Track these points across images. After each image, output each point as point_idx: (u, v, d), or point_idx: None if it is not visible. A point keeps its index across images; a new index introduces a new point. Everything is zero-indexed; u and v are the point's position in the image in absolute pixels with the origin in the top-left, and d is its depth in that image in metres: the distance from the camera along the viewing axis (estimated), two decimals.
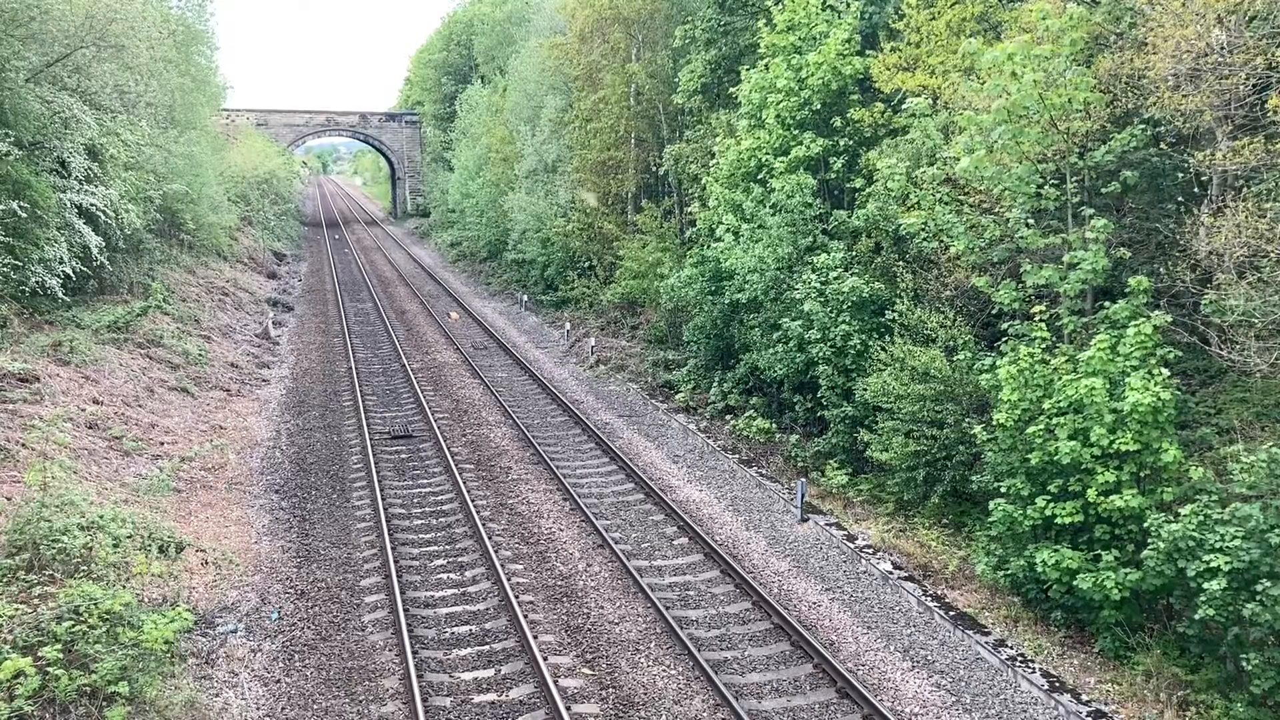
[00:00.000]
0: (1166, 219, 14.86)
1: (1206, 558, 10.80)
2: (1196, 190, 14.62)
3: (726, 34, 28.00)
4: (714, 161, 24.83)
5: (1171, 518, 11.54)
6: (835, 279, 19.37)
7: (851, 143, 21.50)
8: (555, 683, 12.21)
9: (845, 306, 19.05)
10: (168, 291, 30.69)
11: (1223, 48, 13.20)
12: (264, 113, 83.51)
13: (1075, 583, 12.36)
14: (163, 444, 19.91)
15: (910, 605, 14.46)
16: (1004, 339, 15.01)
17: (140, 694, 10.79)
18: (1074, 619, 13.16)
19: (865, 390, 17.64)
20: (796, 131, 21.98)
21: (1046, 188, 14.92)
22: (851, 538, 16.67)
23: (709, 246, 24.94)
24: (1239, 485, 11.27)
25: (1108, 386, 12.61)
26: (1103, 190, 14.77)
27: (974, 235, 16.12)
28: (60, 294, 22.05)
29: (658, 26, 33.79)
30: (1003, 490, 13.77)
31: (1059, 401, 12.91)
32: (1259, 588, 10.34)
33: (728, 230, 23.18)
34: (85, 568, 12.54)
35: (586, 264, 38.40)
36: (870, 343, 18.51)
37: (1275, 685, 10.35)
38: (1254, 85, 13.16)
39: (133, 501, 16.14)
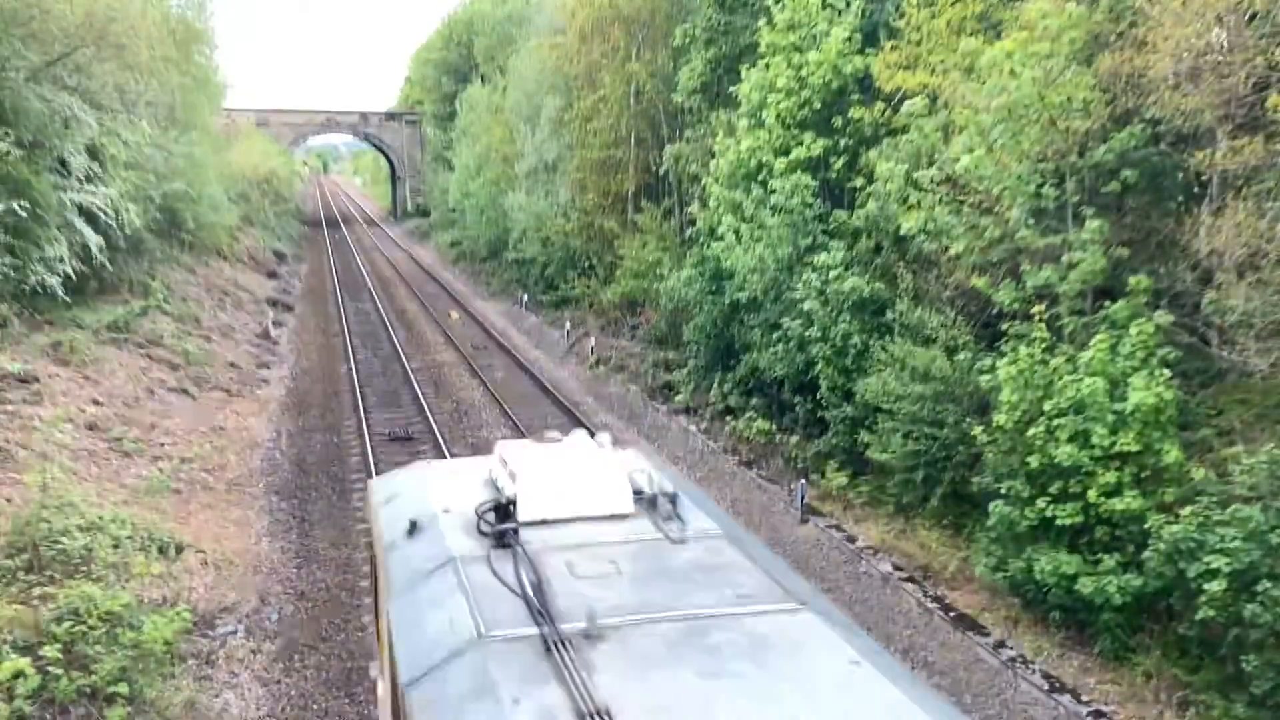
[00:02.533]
0: (1167, 218, 14.83)
1: (1207, 559, 10.78)
2: (1197, 190, 14.59)
3: (726, 33, 27.93)
4: (714, 161, 24.78)
5: (1172, 519, 11.53)
6: (835, 279, 19.34)
7: (852, 142, 21.45)
8: None
9: (845, 306, 19.02)
10: (168, 291, 30.67)
11: (1223, 47, 13.18)
12: (264, 112, 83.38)
13: (1076, 587, 12.34)
14: (163, 445, 19.89)
15: (910, 606, 14.46)
16: (1004, 339, 14.99)
17: (140, 694, 10.79)
18: (1074, 620, 13.14)
19: (865, 390, 17.62)
20: (797, 131, 21.92)
21: (1046, 187, 14.90)
22: (852, 539, 16.65)
23: (709, 246, 24.91)
24: (1239, 486, 11.26)
25: (1108, 387, 12.59)
26: (1102, 190, 14.74)
27: (974, 235, 16.10)
28: (60, 294, 22.02)
29: (658, 26, 33.72)
30: (1002, 491, 13.76)
31: (1059, 402, 12.89)
32: (1259, 589, 10.33)
33: (728, 230, 23.15)
34: (85, 568, 12.55)
35: (586, 264, 38.36)
36: (870, 343, 18.49)
37: (1275, 686, 10.33)
38: (1254, 85, 13.12)
39: (133, 502, 16.13)
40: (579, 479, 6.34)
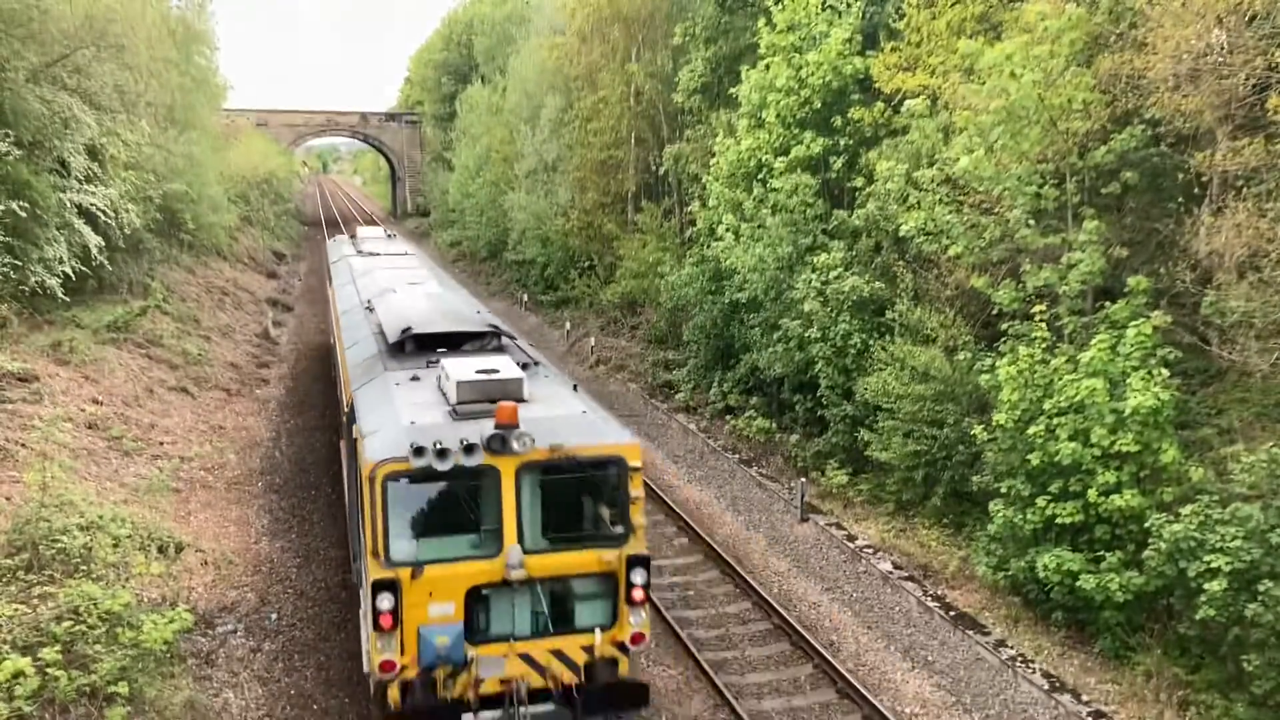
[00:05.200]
0: (1167, 219, 14.84)
1: (1207, 558, 10.80)
2: (1197, 190, 14.60)
3: (726, 33, 27.95)
4: (714, 161, 24.80)
5: (1172, 518, 11.54)
6: (835, 278, 19.35)
7: (852, 142, 21.45)
8: None
9: (845, 306, 19.02)
10: (167, 291, 30.64)
11: (1223, 48, 13.19)
12: (264, 113, 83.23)
13: (1078, 584, 12.34)
14: (162, 444, 19.88)
15: (910, 605, 14.46)
16: (1004, 339, 15.00)
17: (140, 694, 10.78)
18: (1074, 619, 13.15)
19: (865, 390, 17.63)
20: (797, 131, 21.92)
21: (1046, 188, 14.91)
22: (852, 537, 16.66)
23: (709, 246, 24.93)
24: (1239, 485, 11.27)
25: (1108, 387, 12.60)
26: (1103, 190, 14.75)
27: (974, 235, 16.11)
28: (60, 294, 22.00)
29: (657, 26, 33.69)
30: (1002, 491, 13.76)
31: (1059, 402, 12.90)
32: (1260, 588, 10.34)
33: (728, 230, 23.16)
34: (85, 568, 12.52)
35: (586, 263, 38.36)
36: (870, 342, 18.50)
37: (1276, 686, 10.34)
38: (1254, 86, 13.15)
39: (132, 501, 16.12)
40: (373, 231, 31.13)
